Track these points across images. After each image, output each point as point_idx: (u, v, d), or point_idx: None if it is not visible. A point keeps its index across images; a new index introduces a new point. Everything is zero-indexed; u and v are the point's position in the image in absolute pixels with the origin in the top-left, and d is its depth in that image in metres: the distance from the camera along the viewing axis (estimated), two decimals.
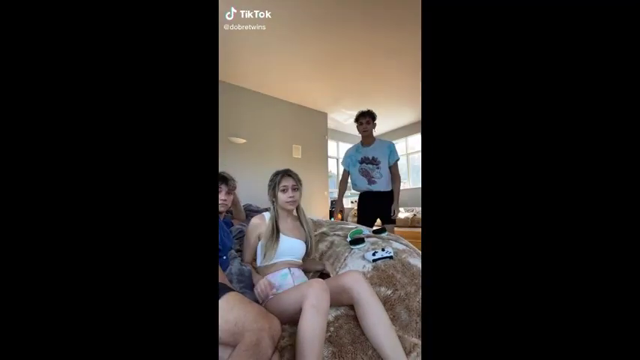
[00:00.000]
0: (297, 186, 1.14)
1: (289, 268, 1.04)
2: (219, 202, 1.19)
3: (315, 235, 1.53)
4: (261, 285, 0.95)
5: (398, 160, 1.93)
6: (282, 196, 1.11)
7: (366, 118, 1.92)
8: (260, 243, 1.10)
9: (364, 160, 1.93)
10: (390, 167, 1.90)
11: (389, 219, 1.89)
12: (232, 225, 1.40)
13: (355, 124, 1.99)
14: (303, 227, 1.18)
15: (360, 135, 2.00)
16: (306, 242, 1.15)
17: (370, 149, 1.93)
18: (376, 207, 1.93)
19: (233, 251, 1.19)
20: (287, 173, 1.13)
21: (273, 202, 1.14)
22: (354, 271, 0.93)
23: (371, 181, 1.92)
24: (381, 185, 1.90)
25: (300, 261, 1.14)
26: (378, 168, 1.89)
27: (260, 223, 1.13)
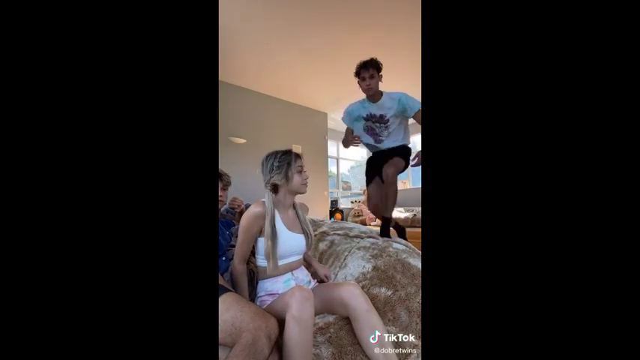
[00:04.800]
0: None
1: (292, 273, 0.97)
2: None
3: (315, 235, 1.53)
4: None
5: (419, 108, 1.50)
6: (297, 178, 0.94)
7: (369, 72, 1.45)
8: (262, 240, 0.92)
9: (370, 118, 1.57)
10: (414, 118, 1.54)
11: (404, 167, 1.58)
12: (233, 225, 1.40)
13: (357, 80, 1.52)
14: (299, 218, 1.04)
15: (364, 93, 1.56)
16: (305, 235, 1.02)
17: (377, 106, 1.54)
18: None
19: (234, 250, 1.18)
20: (297, 154, 0.97)
21: (277, 185, 0.94)
22: (351, 284, 0.89)
23: (378, 140, 1.63)
24: (391, 142, 1.61)
25: (302, 258, 1.05)
26: (386, 127, 1.56)
27: (263, 213, 0.91)
